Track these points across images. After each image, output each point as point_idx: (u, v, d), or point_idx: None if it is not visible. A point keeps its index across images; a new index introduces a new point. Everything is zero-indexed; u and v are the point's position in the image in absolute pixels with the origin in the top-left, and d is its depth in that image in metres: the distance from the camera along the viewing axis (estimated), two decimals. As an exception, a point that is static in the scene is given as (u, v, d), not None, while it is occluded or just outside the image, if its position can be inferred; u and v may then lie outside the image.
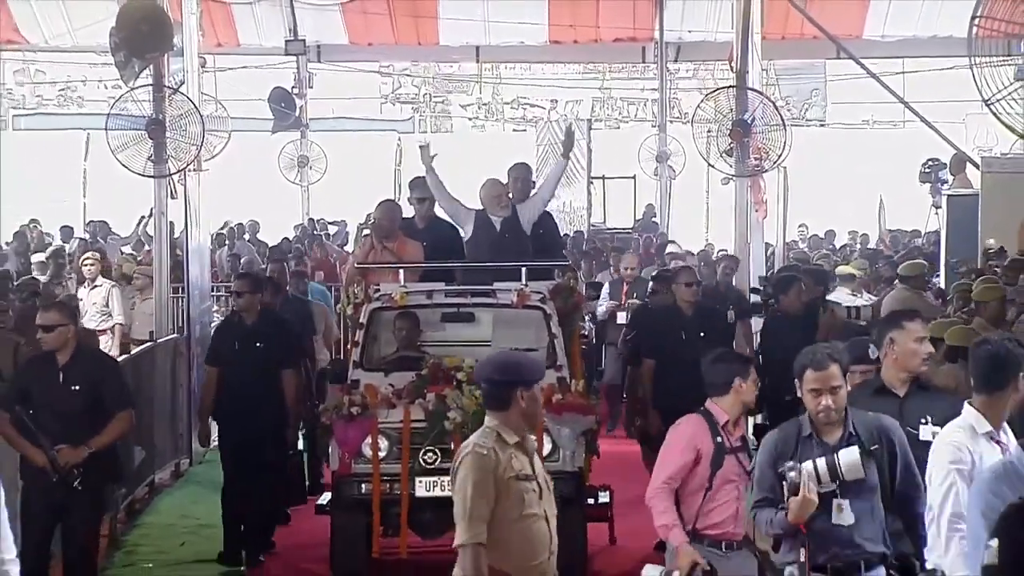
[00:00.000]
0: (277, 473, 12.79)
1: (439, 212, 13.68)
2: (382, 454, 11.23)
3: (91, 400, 10.00)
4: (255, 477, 12.48)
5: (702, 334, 12.71)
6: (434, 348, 12.13)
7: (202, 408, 13.27)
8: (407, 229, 13.41)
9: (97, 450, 9.92)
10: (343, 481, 11.38)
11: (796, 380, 7.28)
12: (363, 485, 11.25)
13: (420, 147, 13.72)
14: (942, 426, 7.33)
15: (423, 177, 13.52)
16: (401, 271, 12.62)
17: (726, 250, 20.89)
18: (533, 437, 7.30)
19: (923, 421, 7.71)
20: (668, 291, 14.78)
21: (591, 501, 11.76)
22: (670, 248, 23.33)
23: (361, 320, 12.27)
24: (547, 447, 10.94)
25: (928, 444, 7.40)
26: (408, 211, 13.98)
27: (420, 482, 11.06)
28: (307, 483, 13.92)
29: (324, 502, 12.03)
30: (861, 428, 7.28)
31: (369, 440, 11.23)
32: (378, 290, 12.45)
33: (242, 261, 23.79)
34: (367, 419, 11.26)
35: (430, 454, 11.04)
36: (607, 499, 12.10)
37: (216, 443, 13.38)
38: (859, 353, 8.28)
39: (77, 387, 9.97)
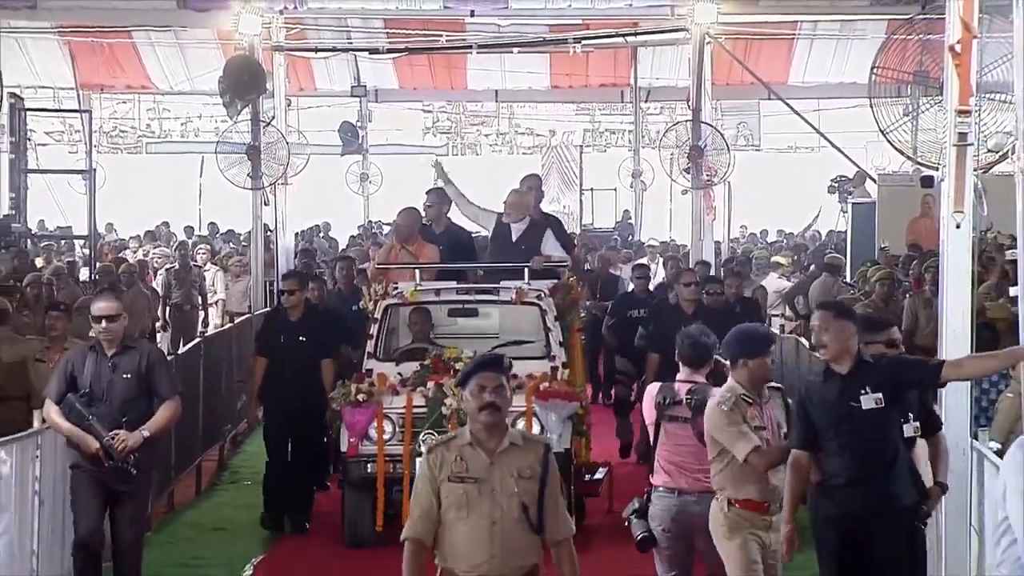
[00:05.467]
0: (314, 453, 11.23)
1: (455, 218, 12.51)
2: (387, 437, 9.88)
3: (141, 388, 8.08)
4: (295, 456, 11.00)
5: None
6: (442, 340, 10.68)
7: (252, 393, 11.51)
8: (427, 234, 11.73)
9: (152, 435, 8.06)
10: (351, 461, 10.00)
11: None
12: (369, 465, 9.90)
13: (433, 165, 12.69)
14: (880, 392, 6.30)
15: (438, 188, 12.47)
16: (417, 271, 11.06)
17: (686, 245, 20.78)
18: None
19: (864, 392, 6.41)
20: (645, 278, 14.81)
21: (587, 477, 10.35)
22: (650, 242, 23.26)
23: (376, 315, 10.76)
24: (535, 430, 9.54)
25: (871, 412, 6.32)
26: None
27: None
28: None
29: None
30: None
31: (375, 424, 9.90)
32: (395, 287, 10.95)
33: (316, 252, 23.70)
34: (373, 405, 9.94)
35: (430, 437, 9.32)
36: (601, 476, 10.44)
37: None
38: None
39: (128, 375, 8.05)
